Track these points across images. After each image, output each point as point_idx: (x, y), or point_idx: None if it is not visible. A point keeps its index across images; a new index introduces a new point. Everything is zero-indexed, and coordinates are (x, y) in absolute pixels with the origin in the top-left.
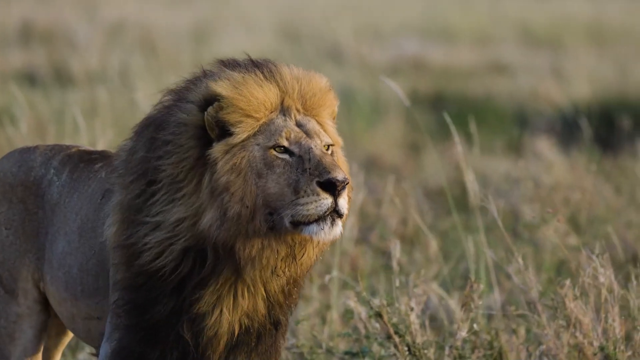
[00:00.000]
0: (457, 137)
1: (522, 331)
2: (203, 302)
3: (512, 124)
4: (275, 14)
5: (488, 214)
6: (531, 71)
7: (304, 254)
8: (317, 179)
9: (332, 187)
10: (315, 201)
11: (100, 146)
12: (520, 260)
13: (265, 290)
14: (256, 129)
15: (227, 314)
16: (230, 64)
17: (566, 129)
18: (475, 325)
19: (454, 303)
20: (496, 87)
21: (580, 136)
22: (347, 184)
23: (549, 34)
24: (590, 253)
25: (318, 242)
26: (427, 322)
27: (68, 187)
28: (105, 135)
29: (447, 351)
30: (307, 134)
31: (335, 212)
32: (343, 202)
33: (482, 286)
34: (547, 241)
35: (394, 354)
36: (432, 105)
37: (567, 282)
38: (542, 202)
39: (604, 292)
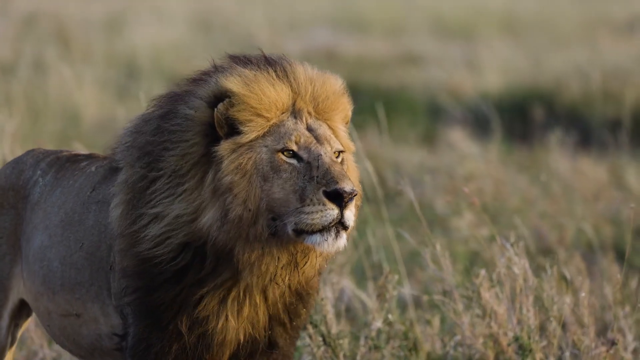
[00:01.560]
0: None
1: (436, 322)
2: (204, 303)
3: (425, 115)
4: (189, 5)
5: (400, 205)
6: (444, 62)
7: (306, 263)
8: (324, 189)
9: (339, 198)
10: (321, 211)
11: (7, 134)
12: (438, 246)
13: (264, 298)
14: (265, 130)
15: (233, 321)
16: (242, 60)
17: (479, 120)
18: (389, 316)
19: (366, 294)
20: (409, 78)
21: (493, 127)
22: (354, 195)
23: (462, 25)
24: (505, 243)
25: (321, 252)
26: (342, 313)
27: (50, 186)
28: (13, 123)
29: (362, 342)
30: (318, 139)
31: (340, 224)
32: (349, 214)
33: (396, 277)
34: (460, 232)
35: (309, 345)
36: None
37: (482, 272)
38: (455, 193)
39: (519, 282)
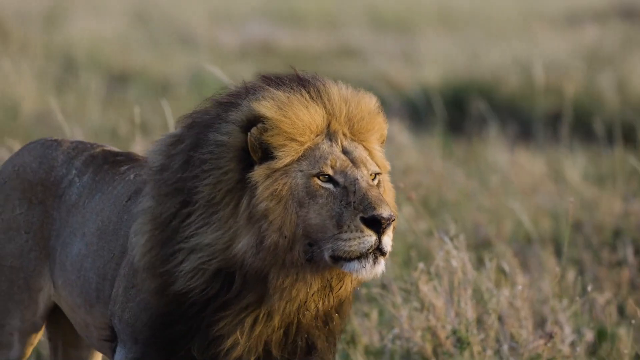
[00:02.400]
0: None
1: (374, 315)
2: (222, 324)
3: None
4: None
5: None
6: (381, 55)
7: (341, 287)
8: (361, 215)
9: (377, 225)
10: (359, 237)
11: None
12: None
13: (282, 318)
14: (300, 154)
15: (241, 340)
16: (275, 81)
17: (417, 113)
18: None
19: None
20: (346, 71)
21: (431, 120)
22: (392, 220)
23: (399, 17)
24: (443, 236)
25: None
26: None
27: (89, 189)
28: None
29: None
30: (354, 162)
31: (378, 250)
32: (387, 240)
33: None
34: (398, 225)
35: None
36: None
37: (421, 265)
38: (393, 186)
39: (457, 275)
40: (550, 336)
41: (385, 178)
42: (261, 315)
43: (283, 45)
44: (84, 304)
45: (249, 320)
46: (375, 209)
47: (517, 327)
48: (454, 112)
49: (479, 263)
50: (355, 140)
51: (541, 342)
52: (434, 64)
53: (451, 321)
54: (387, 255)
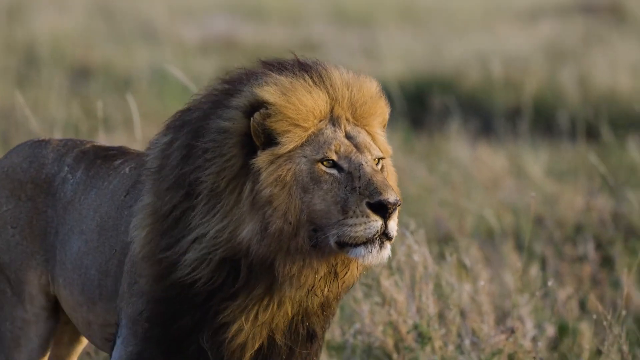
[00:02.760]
0: None
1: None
2: (228, 312)
3: None
4: None
5: None
6: (343, 50)
7: (346, 273)
8: (367, 200)
9: (383, 209)
10: (365, 223)
11: None
12: None
13: (291, 307)
14: (304, 140)
15: (245, 326)
16: (276, 67)
17: None
18: None
19: None
20: None
21: (392, 115)
22: (399, 205)
23: (361, 12)
24: (404, 231)
25: (364, 264)
26: None
27: (84, 185)
28: None
29: None
30: (357, 147)
31: (384, 235)
32: (393, 225)
33: None
34: None
35: None
36: None
37: None
38: None
39: (418, 270)
40: (512, 331)
41: (388, 162)
42: (273, 303)
43: (245, 40)
44: (86, 302)
45: (256, 308)
46: (381, 193)
47: (479, 321)
48: (415, 106)
49: (441, 258)
50: (358, 125)
51: (503, 337)
52: (396, 58)
53: (412, 316)
54: (393, 240)
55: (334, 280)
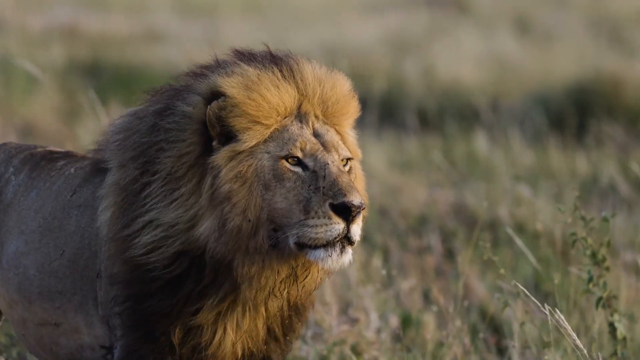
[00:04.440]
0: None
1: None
2: (201, 314)
3: None
4: None
5: None
6: (187, 40)
7: (307, 276)
8: (330, 201)
9: (346, 212)
10: (326, 224)
11: None
12: None
13: (265, 311)
14: (266, 136)
15: (232, 334)
16: (247, 57)
17: None
18: None
19: None
20: (152, 56)
21: None
22: (363, 209)
23: (205, 3)
24: None
25: (324, 268)
26: None
27: (24, 186)
28: None
29: None
30: (325, 146)
31: (346, 239)
32: (356, 229)
33: None
34: None
35: None
36: (89, 73)
37: None
38: None
39: None
40: (355, 321)
41: (356, 165)
42: (242, 306)
43: (89, 30)
44: (22, 301)
45: (233, 313)
46: (345, 195)
47: (322, 312)
48: None
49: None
50: (327, 124)
51: (345, 327)
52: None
53: None
54: (355, 245)
55: (293, 283)
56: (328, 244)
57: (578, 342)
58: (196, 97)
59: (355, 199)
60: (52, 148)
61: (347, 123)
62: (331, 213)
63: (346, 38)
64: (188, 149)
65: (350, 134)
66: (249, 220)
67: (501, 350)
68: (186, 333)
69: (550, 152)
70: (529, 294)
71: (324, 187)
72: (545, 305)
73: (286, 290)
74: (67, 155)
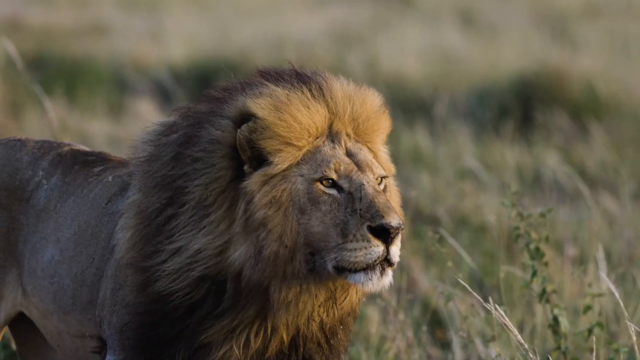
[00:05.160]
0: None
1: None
2: (212, 332)
3: (112, 86)
4: None
5: None
6: (130, 33)
7: (345, 298)
8: (368, 223)
9: (385, 234)
10: (365, 248)
11: None
12: None
13: (286, 333)
14: (299, 158)
15: (237, 352)
16: (274, 77)
17: (165, 91)
18: None
19: None
20: (96, 49)
21: (179, 99)
22: (401, 230)
23: None
24: None
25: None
26: None
27: (59, 191)
28: None
29: None
30: (359, 165)
31: (386, 261)
32: (395, 250)
33: None
34: None
35: None
36: (33, 66)
37: None
38: None
39: None
40: None
41: (390, 182)
42: (266, 328)
43: (32, 22)
44: (57, 311)
45: (246, 332)
46: (383, 217)
47: None
48: (201, 90)
49: None
50: (359, 142)
51: None
52: (182, 42)
53: None
54: (395, 266)
55: (332, 306)
56: (368, 267)
57: (519, 337)
58: (225, 121)
59: (394, 220)
60: (79, 147)
61: (379, 139)
62: (370, 236)
63: (290, 31)
64: (218, 174)
65: (383, 150)
66: (286, 246)
67: (444, 344)
68: (193, 353)
69: (495, 145)
70: (469, 288)
71: (361, 210)
72: (490, 299)
73: (325, 313)
74: (103, 160)
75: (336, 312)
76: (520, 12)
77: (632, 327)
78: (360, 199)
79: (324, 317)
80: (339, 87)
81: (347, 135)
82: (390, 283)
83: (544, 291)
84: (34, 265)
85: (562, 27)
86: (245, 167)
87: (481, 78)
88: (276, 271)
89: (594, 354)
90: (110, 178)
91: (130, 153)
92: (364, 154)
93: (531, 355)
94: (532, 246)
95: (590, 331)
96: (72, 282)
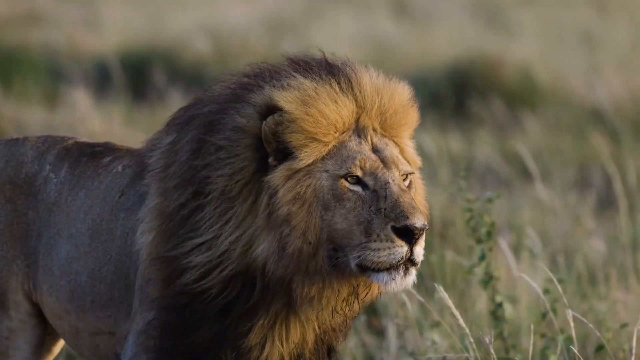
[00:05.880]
0: None
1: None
2: (253, 334)
3: (47, 75)
4: None
5: None
6: (65, 21)
7: (367, 293)
8: (392, 224)
9: (409, 235)
10: (389, 248)
11: None
12: None
13: (317, 324)
14: (324, 153)
15: (280, 346)
16: (302, 66)
17: (100, 79)
18: None
19: None
20: (31, 37)
21: (114, 87)
22: (425, 230)
23: None
24: None
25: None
26: None
27: (70, 184)
28: None
29: None
30: (384, 162)
31: (409, 261)
32: (420, 250)
33: None
34: None
35: None
36: None
37: None
38: None
39: None
40: None
41: (416, 176)
42: (299, 321)
43: None
44: (76, 310)
45: (284, 326)
46: (408, 217)
47: None
48: (136, 78)
49: None
50: (385, 136)
51: None
52: (117, 30)
53: None
54: (418, 265)
55: (354, 301)
56: (391, 267)
57: (461, 320)
58: (250, 110)
59: (418, 220)
60: (83, 140)
61: (406, 134)
62: (394, 236)
63: (224, 20)
64: (242, 164)
65: (409, 145)
66: (310, 243)
67: (380, 332)
68: (238, 352)
69: (428, 133)
70: None
71: (385, 209)
72: (436, 285)
73: (348, 307)
74: (110, 150)
75: (357, 306)
76: (455, 0)
77: (570, 314)
78: (385, 197)
79: (346, 312)
80: (368, 80)
81: (374, 129)
82: (414, 282)
83: (490, 277)
84: (49, 264)
85: (497, 15)
86: (270, 160)
87: (415, 66)
88: (299, 267)
89: (531, 341)
90: (120, 168)
91: (145, 149)
92: (390, 150)
93: (471, 340)
94: (483, 230)
95: (544, 315)
96: (90, 279)
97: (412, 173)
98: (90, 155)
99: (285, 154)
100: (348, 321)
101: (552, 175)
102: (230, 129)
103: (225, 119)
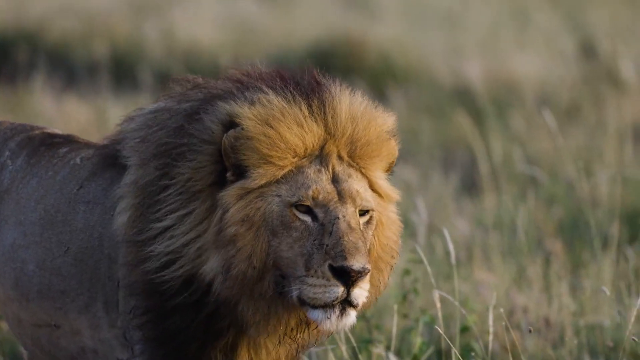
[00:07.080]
0: None
1: None
2: (239, 352)
3: None
4: None
5: None
6: None
7: (318, 326)
8: (330, 262)
9: (345, 276)
10: (324, 286)
11: None
12: None
13: (266, 350)
14: (279, 177)
15: (265, 356)
16: (280, 83)
17: None
18: None
19: None
20: None
21: None
22: (365, 274)
23: None
24: None
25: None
26: None
27: (23, 173)
28: None
29: None
30: (340, 195)
31: (347, 302)
32: (358, 292)
33: None
34: None
35: None
36: None
37: None
38: None
39: None
40: None
41: (387, 210)
42: (247, 343)
43: None
44: (19, 298)
45: (264, 344)
46: (346, 258)
47: None
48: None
49: None
50: (352, 166)
51: None
52: None
53: None
54: (359, 307)
55: (305, 330)
56: (327, 306)
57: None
58: (219, 116)
59: (357, 263)
60: (50, 130)
61: (377, 167)
62: (330, 275)
63: (87, 0)
64: (204, 168)
65: (381, 177)
66: (254, 267)
67: None
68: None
69: None
70: None
71: (327, 245)
72: None
73: (300, 336)
74: (69, 141)
75: (310, 335)
76: None
77: (436, 294)
78: (331, 233)
79: (297, 340)
80: (346, 106)
81: (340, 157)
82: (353, 323)
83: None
84: None
85: None
86: (228, 175)
87: (277, 47)
88: (243, 290)
89: (394, 322)
90: (78, 160)
91: (114, 135)
92: (351, 182)
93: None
94: None
95: (404, 296)
96: (38, 269)
97: (373, 210)
98: (49, 145)
99: (241, 171)
100: (300, 350)
101: (416, 156)
102: (203, 127)
103: (205, 114)
